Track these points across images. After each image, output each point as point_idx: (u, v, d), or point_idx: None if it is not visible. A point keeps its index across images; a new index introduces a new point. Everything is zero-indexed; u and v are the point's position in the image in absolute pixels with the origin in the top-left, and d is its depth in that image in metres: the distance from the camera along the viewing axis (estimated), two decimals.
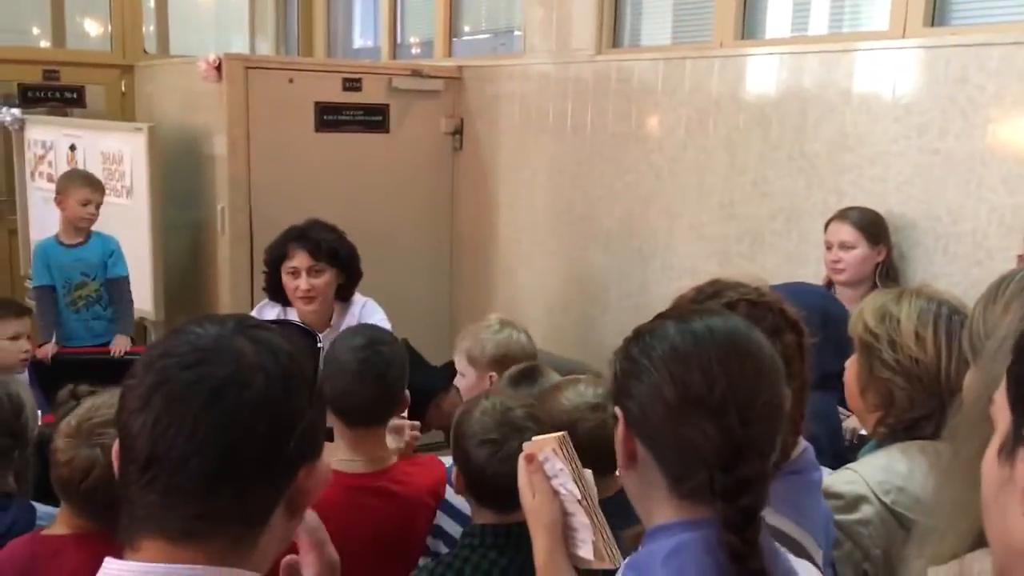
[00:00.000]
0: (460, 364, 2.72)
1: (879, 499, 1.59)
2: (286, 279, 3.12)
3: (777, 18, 3.75)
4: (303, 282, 3.07)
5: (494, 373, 2.60)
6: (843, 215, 2.99)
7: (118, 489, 0.93)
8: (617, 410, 1.16)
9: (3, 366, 3.08)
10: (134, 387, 0.92)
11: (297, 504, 0.96)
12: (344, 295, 3.22)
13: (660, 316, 1.20)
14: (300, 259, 3.08)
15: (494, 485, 1.69)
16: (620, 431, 1.15)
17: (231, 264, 4.24)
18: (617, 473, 1.19)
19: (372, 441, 1.99)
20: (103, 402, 1.68)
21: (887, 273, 2.94)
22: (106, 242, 4.06)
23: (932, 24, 3.03)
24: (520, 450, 1.45)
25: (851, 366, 1.78)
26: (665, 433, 1.10)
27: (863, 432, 2.06)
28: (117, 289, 4.06)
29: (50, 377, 3.14)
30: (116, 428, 0.93)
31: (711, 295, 1.41)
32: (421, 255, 4.75)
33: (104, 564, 0.92)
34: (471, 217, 4.76)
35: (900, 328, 1.69)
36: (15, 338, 3.16)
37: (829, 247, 2.98)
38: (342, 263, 3.15)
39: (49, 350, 3.83)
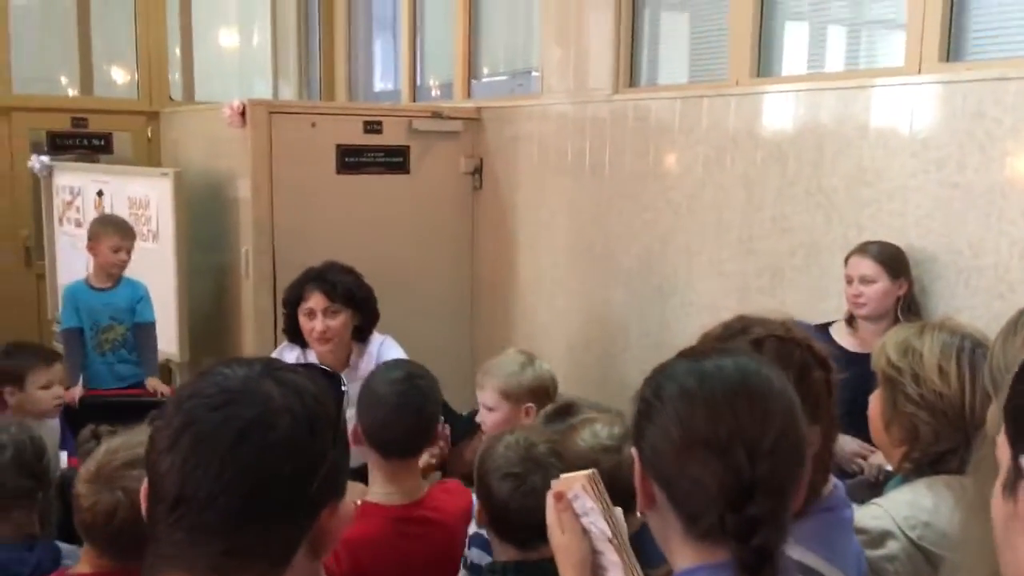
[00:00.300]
0: (489, 399, 2.69)
1: (905, 534, 1.58)
2: (303, 320, 3.13)
3: (793, 56, 3.78)
4: (319, 323, 3.09)
5: (532, 404, 2.60)
6: (863, 249, 2.98)
7: (145, 528, 0.95)
8: (633, 451, 1.16)
9: (39, 413, 3.11)
10: (163, 427, 0.93)
11: (320, 543, 0.97)
12: (361, 336, 3.23)
13: (679, 355, 1.20)
14: (316, 300, 3.10)
15: (517, 520, 1.70)
16: (637, 472, 1.15)
17: (255, 307, 4.27)
18: (638, 514, 1.19)
19: (408, 472, 2.04)
20: (120, 444, 1.69)
21: (909, 307, 2.92)
22: (135, 288, 4.11)
23: (947, 59, 3.04)
24: (543, 485, 1.45)
25: (875, 401, 1.77)
26: (675, 473, 1.09)
27: (888, 468, 2.04)
28: (143, 334, 4.10)
29: (79, 420, 3.16)
30: (145, 467, 0.95)
31: (738, 332, 1.40)
32: (441, 295, 4.77)
33: None
34: (491, 256, 4.79)
35: (923, 362, 1.68)
36: (47, 386, 3.19)
37: (850, 281, 2.97)
38: (358, 304, 3.17)
39: (76, 393, 3.85)
